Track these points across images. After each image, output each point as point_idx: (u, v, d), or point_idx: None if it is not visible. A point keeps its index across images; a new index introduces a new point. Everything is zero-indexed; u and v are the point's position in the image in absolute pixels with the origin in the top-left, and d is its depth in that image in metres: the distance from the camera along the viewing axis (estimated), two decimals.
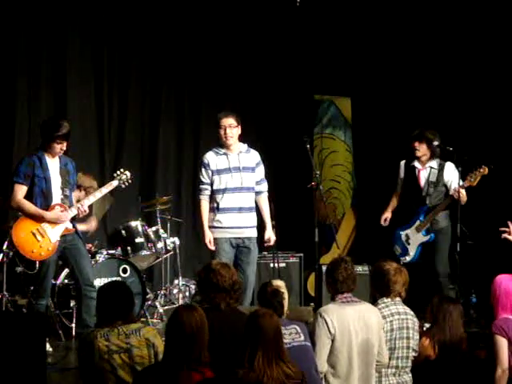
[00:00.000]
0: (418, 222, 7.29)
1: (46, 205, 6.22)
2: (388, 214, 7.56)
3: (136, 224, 7.80)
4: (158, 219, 8.11)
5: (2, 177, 8.12)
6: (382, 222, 7.56)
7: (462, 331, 4.96)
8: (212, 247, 6.58)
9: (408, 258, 7.34)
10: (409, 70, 9.44)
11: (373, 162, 9.66)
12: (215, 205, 6.60)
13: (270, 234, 6.81)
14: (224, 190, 6.58)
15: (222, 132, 6.61)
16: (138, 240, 7.73)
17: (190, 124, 9.48)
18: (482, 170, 6.99)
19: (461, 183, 6.99)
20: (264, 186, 6.84)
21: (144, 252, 7.77)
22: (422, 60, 9.35)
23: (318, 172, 7.04)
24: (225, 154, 6.63)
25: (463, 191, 7.01)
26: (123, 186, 6.68)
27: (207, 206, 6.64)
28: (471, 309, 7.91)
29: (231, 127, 6.61)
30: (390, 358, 4.94)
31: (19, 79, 8.31)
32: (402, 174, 7.48)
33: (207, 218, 6.62)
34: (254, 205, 6.74)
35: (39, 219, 6.20)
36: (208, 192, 6.63)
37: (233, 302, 4.66)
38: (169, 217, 8.35)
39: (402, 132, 9.10)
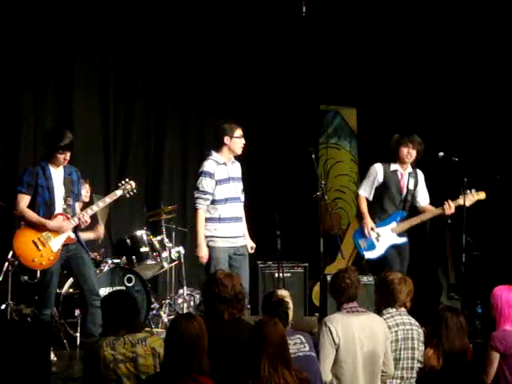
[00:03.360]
0: (393, 224, 7.09)
1: (49, 214, 6.23)
2: (372, 223, 7.10)
3: (141, 233, 7.80)
4: (163, 229, 8.11)
5: (7, 186, 8.14)
6: (371, 232, 7.07)
7: (466, 342, 4.93)
8: (204, 261, 6.52)
9: (375, 254, 7.04)
10: (414, 81, 9.46)
11: None
12: (217, 215, 6.56)
13: (250, 242, 6.82)
14: (226, 200, 6.57)
15: (242, 142, 6.63)
16: (143, 249, 7.73)
17: (195, 133, 9.50)
18: (480, 195, 6.93)
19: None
20: (243, 196, 6.82)
21: (149, 261, 7.76)
22: (427, 70, 9.37)
23: (323, 182, 7.02)
24: (224, 163, 6.61)
25: (453, 206, 6.90)
26: (128, 195, 6.71)
27: (204, 216, 6.57)
28: (476, 319, 7.89)
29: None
30: (394, 369, 4.94)
31: (25, 91, 8.34)
32: (380, 177, 7.13)
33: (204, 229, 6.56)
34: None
35: (41, 228, 6.20)
36: (208, 202, 6.56)
37: (236, 312, 4.65)
38: (174, 226, 8.34)
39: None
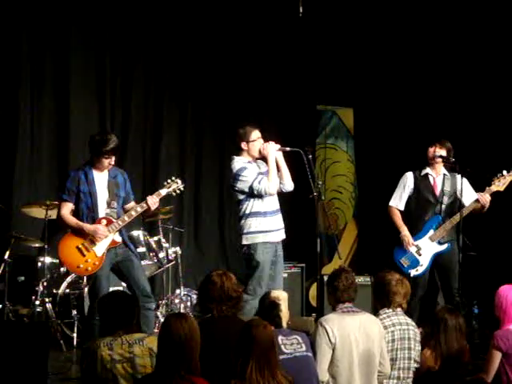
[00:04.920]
0: (431, 232, 6.95)
1: (92, 219, 6.12)
2: (410, 236, 6.99)
3: (138, 234, 7.80)
4: (160, 229, 8.10)
5: (3, 186, 8.14)
6: (411, 246, 6.96)
7: (464, 342, 4.94)
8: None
9: (421, 270, 6.89)
10: (410, 81, 9.47)
11: (375, 173, 9.66)
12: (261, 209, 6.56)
13: None
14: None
15: (261, 143, 6.49)
16: (140, 250, 7.71)
17: (192, 134, 9.50)
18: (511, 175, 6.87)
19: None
20: None
21: (146, 262, 7.75)
22: (424, 71, 9.38)
23: (320, 182, 7.01)
24: (249, 162, 6.48)
25: (488, 196, 6.84)
26: (174, 194, 6.49)
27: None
28: (473, 320, 7.90)
29: None
30: (391, 369, 4.94)
31: (22, 90, 8.33)
32: (411, 183, 7.08)
33: None
34: None
35: (84, 233, 6.09)
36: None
37: (227, 309, 4.62)
38: (171, 226, 8.34)
39: (403, 142, 9.14)
